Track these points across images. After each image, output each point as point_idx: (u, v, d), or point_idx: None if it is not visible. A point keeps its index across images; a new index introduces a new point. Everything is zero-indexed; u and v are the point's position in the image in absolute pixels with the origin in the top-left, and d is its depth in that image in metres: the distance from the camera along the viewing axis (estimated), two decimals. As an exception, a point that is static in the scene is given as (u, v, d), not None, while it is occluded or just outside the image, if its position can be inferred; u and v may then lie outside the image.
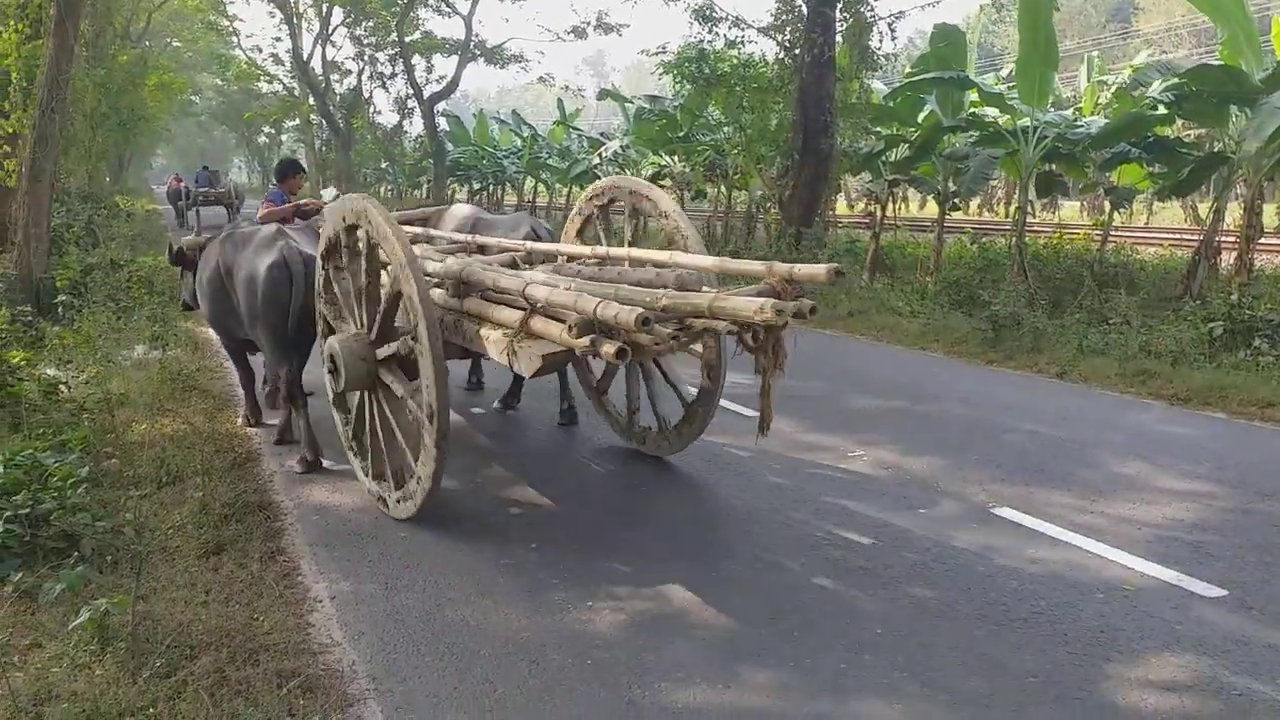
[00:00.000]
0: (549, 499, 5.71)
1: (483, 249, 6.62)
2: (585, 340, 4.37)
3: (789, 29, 15.40)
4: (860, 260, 15.54)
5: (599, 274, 5.33)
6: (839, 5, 15.02)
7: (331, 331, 5.79)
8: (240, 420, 7.23)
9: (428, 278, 5.36)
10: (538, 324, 4.73)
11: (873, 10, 15.33)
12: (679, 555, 4.85)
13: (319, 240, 5.94)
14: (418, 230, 7.32)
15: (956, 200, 15.64)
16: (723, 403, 7.63)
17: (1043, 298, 11.48)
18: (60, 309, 10.48)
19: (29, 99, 11.08)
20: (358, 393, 5.66)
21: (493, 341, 5.03)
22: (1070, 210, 29.30)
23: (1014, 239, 13.11)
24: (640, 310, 4.16)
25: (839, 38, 15.20)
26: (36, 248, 10.79)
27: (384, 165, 43.92)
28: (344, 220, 5.45)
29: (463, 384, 8.36)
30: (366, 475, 5.70)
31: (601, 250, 6.03)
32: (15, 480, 4.74)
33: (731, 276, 5.24)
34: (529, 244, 6.39)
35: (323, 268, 5.85)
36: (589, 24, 31.09)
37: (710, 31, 16.76)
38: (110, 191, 32.34)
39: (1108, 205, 14.78)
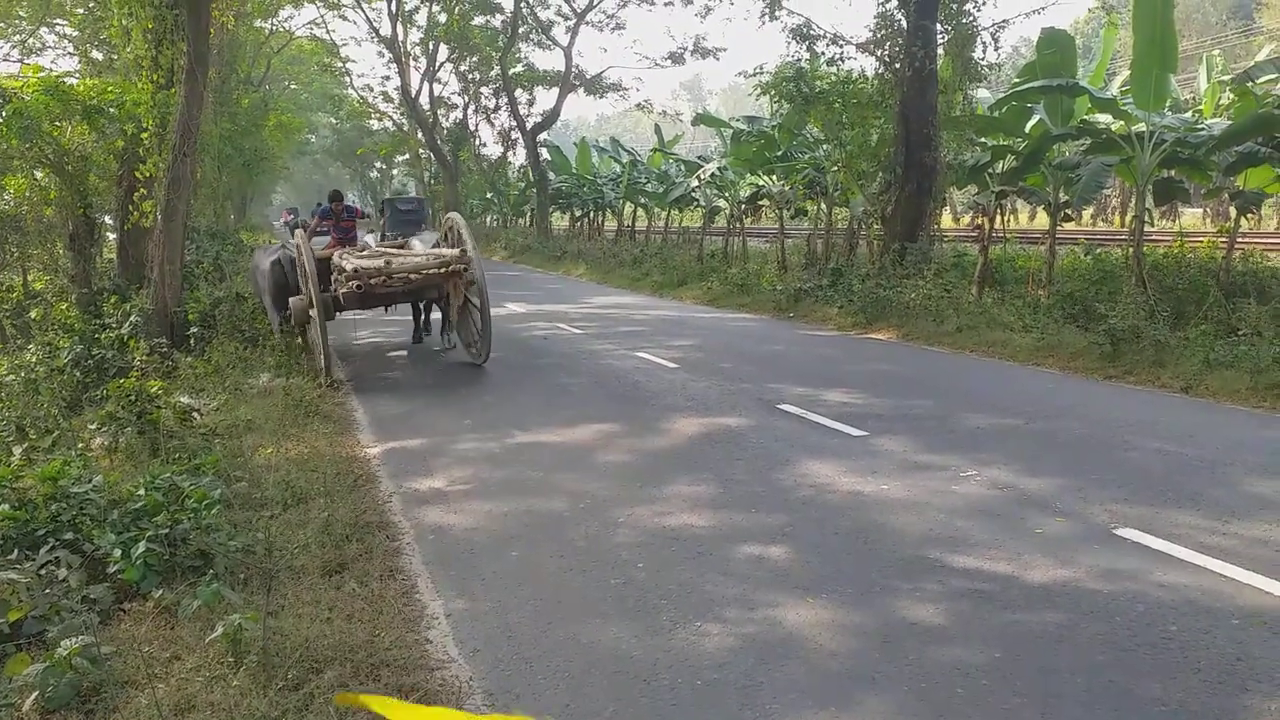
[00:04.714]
0: (656, 519, 5.74)
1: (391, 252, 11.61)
2: (351, 284, 9.88)
3: (889, 44, 15.24)
4: (968, 275, 15.15)
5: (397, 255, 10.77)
6: (940, 17, 14.78)
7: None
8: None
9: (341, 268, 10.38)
10: (344, 278, 10.05)
11: (975, 21, 15.04)
12: (786, 577, 4.81)
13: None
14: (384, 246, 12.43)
15: (1069, 211, 15.09)
16: (823, 422, 7.56)
17: (1164, 309, 10.97)
18: (192, 340, 11.13)
19: (163, 145, 11.82)
20: (304, 325, 10.94)
21: (341, 292, 10.14)
22: (1192, 218, 27.95)
23: (1131, 249, 12.59)
24: (357, 265, 10.00)
25: (940, 50, 14.95)
26: (171, 283, 11.48)
27: (489, 196, 45.10)
28: (293, 242, 10.91)
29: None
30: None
31: (440, 250, 11.20)
32: (155, 502, 5.06)
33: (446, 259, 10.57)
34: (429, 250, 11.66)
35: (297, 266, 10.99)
36: (686, 49, 31.45)
37: (808, 50, 16.69)
38: (235, 228, 34.11)
39: (1233, 210, 14.03)
